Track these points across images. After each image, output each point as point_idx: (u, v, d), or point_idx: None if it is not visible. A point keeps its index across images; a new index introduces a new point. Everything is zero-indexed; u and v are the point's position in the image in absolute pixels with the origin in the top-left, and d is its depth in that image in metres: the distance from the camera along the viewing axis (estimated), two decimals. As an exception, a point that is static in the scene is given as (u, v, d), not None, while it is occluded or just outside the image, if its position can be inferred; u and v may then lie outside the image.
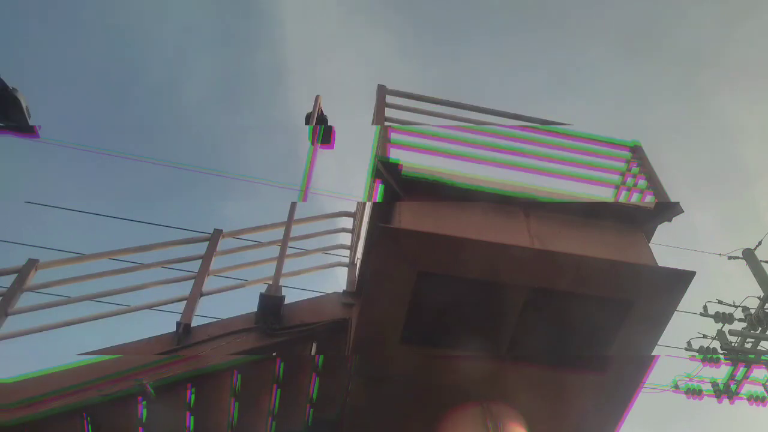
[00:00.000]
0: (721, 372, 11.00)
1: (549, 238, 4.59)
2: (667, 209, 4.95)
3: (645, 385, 5.17)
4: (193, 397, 4.82)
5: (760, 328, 10.69)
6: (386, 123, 4.97)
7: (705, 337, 10.70)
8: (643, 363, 4.98)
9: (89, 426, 4.58)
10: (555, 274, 4.44)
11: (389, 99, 5.24)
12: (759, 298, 10.80)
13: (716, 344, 10.60)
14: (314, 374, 5.15)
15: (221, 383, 4.79)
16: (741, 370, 10.68)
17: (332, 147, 6.30)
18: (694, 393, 10.67)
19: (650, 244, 5.00)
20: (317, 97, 6.47)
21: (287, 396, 5.20)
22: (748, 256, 11.29)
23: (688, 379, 10.77)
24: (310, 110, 6.41)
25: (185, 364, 4.40)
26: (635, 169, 5.61)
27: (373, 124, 5.04)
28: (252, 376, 4.92)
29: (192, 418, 4.97)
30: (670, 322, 4.82)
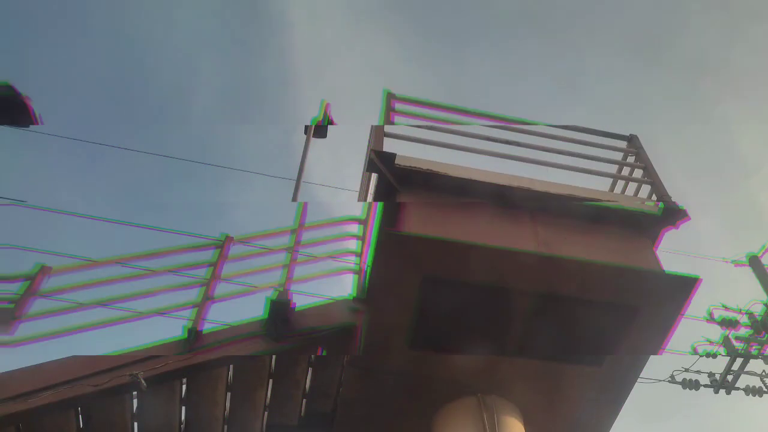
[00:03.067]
0: (718, 364, 10.97)
1: (556, 243, 4.62)
2: (672, 214, 4.97)
3: (640, 378, 5.19)
4: (186, 389, 4.86)
5: (765, 333, 10.66)
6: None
7: (710, 342, 10.68)
8: (638, 357, 5.00)
9: (81, 419, 4.62)
10: (561, 280, 4.47)
11: (396, 105, 5.26)
12: (764, 303, 10.77)
13: (721, 349, 10.57)
14: (308, 367, 5.19)
15: (215, 376, 4.83)
16: (738, 363, 10.65)
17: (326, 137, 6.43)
18: (691, 385, 10.61)
19: (656, 250, 5.02)
20: (324, 102, 6.52)
21: (281, 389, 5.24)
22: (754, 261, 11.28)
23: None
24: (317, 115, 6.46)
25: (179, 358, 4.42)
26: (631, 158, 5.63)
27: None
28: (246, 369, 4.95)
29: (185, 410, 5.00)
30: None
